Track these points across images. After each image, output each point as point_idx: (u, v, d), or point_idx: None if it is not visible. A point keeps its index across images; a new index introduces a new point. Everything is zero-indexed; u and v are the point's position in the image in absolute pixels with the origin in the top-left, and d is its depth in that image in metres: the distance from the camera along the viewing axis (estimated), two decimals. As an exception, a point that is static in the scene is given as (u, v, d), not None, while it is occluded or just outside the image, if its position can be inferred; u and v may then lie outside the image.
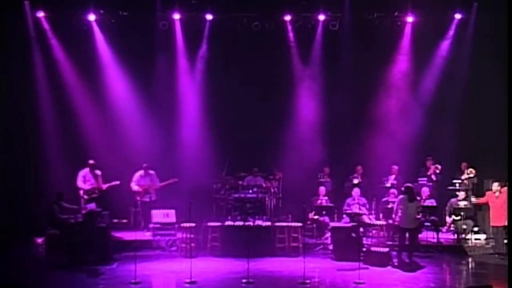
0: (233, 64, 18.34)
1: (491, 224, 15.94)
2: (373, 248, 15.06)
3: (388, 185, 17.60)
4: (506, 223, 15.06)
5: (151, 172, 17.46)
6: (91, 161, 16.81)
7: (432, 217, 16.41)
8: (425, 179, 17.69)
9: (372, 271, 14.07)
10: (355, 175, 18.19)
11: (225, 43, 18.59)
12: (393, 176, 17.97)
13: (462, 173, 17.79)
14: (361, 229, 15.54)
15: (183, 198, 15.16)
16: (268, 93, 18.61)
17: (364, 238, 15.67)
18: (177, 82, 19.00)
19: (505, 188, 15.39)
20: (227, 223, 15.98)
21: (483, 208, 16.89)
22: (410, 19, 18.65)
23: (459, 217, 16.33)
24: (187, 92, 19.05)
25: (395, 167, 18.11)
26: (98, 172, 16.76)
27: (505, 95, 15.64)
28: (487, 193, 16.13)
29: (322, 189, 17.29)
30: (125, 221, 17.59)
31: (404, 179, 17.43)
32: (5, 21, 17.54)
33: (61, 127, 18.31)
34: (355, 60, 18.58)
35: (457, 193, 16.83)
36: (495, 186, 15.73)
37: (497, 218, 15.51)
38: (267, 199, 16.76)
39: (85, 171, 16.78)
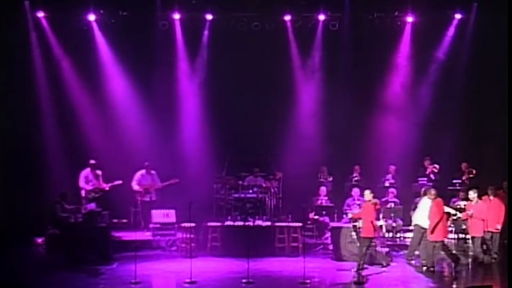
0: (233, 64, 18.30)
1: (470, 234, 15.18)
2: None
3: (387, 184, 17.61)
4: (482, 235, 14.63)
5: (153, 172, 17.47)
6: (92, 161, 16.83)
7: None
8: (425, 179, 17.70)
9: (372, 271, 14.07)
10: (354, 174, 18.20)
11: (225, 43, 18.58)
12: (390, 176, 17.98)
13: (463, 173, 17.78)
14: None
15: (183, 198, 15.15)
16: (268, 93, 18.60)
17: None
18: (177, 82, 19.01)
19: (485, 197, 14.90)
20: (227, 223, 15.97)
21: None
22: (410, 19, 18.64)
23: (458, 217, 16.30)
24: (187, 92, 19.06)
25: (393, 167, 18.13)
26: (99, 172, 16.78)
27: (505, 95, 15.68)
28: (467, 203, 15.10)
29: (322, 189, 17.29)
30: (125, 221, 17.58)
31: (402, 179, 17.47)
32: (5, 21, 17.54)
33: (62, 127, 18.32)
34: (355, 60, 18.59)
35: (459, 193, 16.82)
36: (471, 194, 14.82)
37: (474, 229, 14.74)
38: (267, 199, 16.75)
39: (87, 171, 16.79)
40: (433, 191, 14.38)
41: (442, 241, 14.14)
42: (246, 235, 14.32)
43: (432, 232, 14.00)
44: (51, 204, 15.23)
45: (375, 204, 14.25)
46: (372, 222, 14.01)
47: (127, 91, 18.67)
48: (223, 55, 18.49)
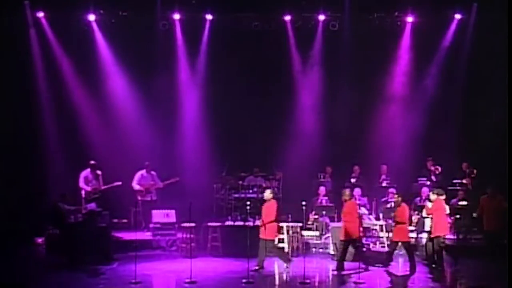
0: (233, 64, 18.31)
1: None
2: (373, 248, 15.04)
3: (384, 184, 17.59)
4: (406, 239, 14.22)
5: (153, 172, 17.45)
6: (92, 162, 16.80)
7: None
8: (425, 178, 17.69)
9: (372, 271, 14.07)
10: (353, 175, 18.20)
11: (225, 43, 18.59)
12: (384, 175, 17.98)
13: (463, 173, 17.77)
14: (361, 229, 15.52)
15: (183, 198, 15.17)
16: (268, 93, 18.61)
17: (364, 238, 15.66)
18: (177, 82, 19.01)
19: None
20: (227, 223, 15.99)
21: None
22: (410, 19, 18.66)
23: (458, 217, 16.30)
24: (187, 92, 19.07)
25: (384, 166, 18.13)
26: (99, 172, 16.76)
27: (505, 95, 15.69)
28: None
29: (322, 189, 17.29)
30: (125, 221, 17.58)
31: (400, 179, 17.46)
32: (5, 21, 17.54)
33: (62, 127, 18.32)
34: (355, 60, 18.59)
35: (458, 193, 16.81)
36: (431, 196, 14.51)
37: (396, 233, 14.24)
38: (267, 199, 16.74)
39: (87, 171, 16.74)
40: (347, 192, 14.33)
41: (348, 240, 14.01)
42: (246, 235, 14.32)
43: (345, 232, 13.98)
44: (53, 203, 15.16)
45: (275, 203, 14.16)
46: (273, 222, 13.97)
47: (127, 91, 18.67)
48: (223, 55, 18.50)
